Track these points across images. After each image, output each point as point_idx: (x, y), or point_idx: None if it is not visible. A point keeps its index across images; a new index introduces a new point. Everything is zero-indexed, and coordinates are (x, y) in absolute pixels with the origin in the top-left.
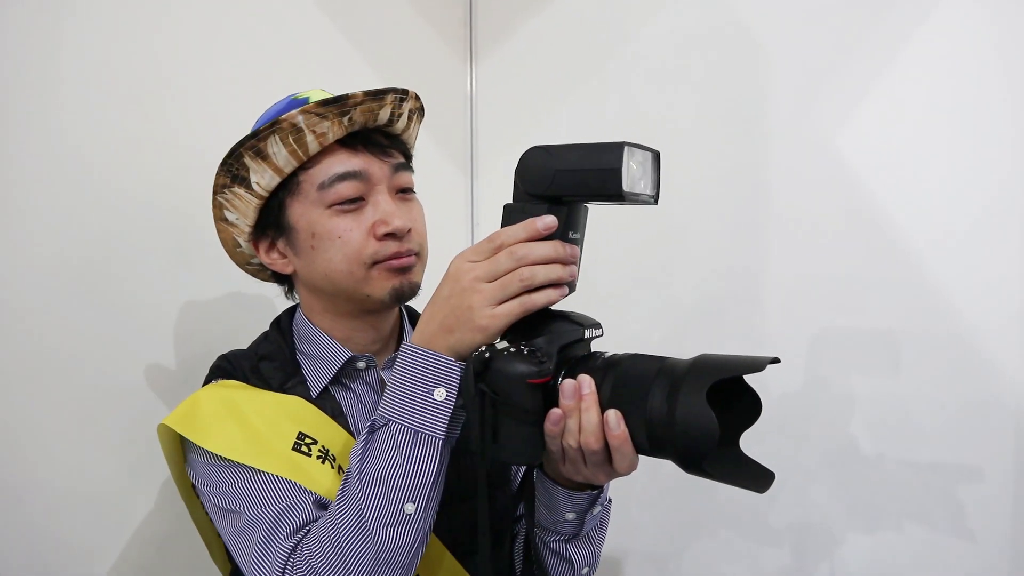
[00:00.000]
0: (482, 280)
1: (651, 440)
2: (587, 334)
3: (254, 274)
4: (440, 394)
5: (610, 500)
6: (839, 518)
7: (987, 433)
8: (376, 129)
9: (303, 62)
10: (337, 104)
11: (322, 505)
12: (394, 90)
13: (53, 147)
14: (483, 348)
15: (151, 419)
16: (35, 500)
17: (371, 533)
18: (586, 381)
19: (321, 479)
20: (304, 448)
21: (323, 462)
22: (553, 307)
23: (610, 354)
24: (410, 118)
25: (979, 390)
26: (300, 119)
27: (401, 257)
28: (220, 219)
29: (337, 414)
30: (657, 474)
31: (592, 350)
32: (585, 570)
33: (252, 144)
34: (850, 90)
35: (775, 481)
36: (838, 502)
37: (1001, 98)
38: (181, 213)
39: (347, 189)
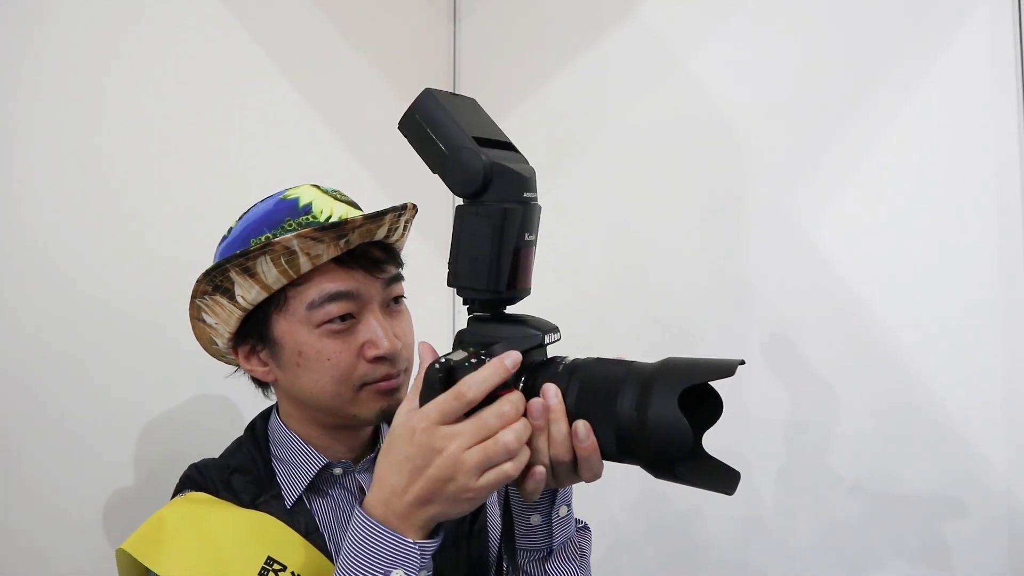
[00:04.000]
0: (464, 449)
1: (620, 446)
2: (546, 339)
3: (229, 363)
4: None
5: (586, 526)
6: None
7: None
8: (371, 243)
9: (281, 31)
10: (335, 229)
11: None
12: (393, 209)
13: (25, 243)
14: (442, 358)
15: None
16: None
17: None
18: (551, 391)
19: None
20: (271, 575)
21: None
22: (508, 310)
23: (571, 359)
24: (406, 228)
25: (961, 481)
26: (295, 243)
27: (391, 379)
28: (196, 318)
29: (311, 530)
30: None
31: (549, 355)
32: None
33: (240, 262)
34: (829, 177)
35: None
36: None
37: (984, 189)
38: (154, 315)
39: (338, 309)
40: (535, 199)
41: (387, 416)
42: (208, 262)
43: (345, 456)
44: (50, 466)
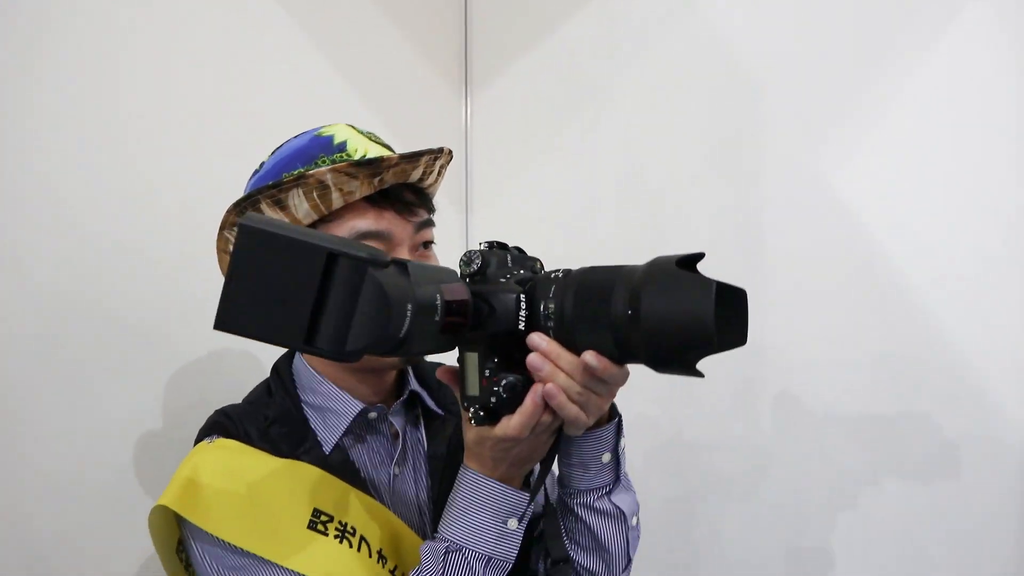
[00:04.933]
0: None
1: (619, 348)
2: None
3: None
4: (513, 524)
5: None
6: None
7: (982, 464)
8: (404, 184)
9: (296, 95)
10: (370, 166)
11: None
12: (429, 151)
13: (45, 195)
14: (471, 401)
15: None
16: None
17: None
18: (535, 339)
19: (338, 562)
20: (320, 527)
21: (340, 541)
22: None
23: (563, 271)
24: (440, 173)
25: (975, 424)
26: (329, 177)
27: None
28: (223, 251)
29: (352, 475)
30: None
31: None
32: (634, 520)
33: (272, 193)
34: (850, 128)
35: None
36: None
37: (1007, 142)
38: (176, 256)
39: None
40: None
41: (412, 360)
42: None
43: (371, 399)
44: (70, 409)
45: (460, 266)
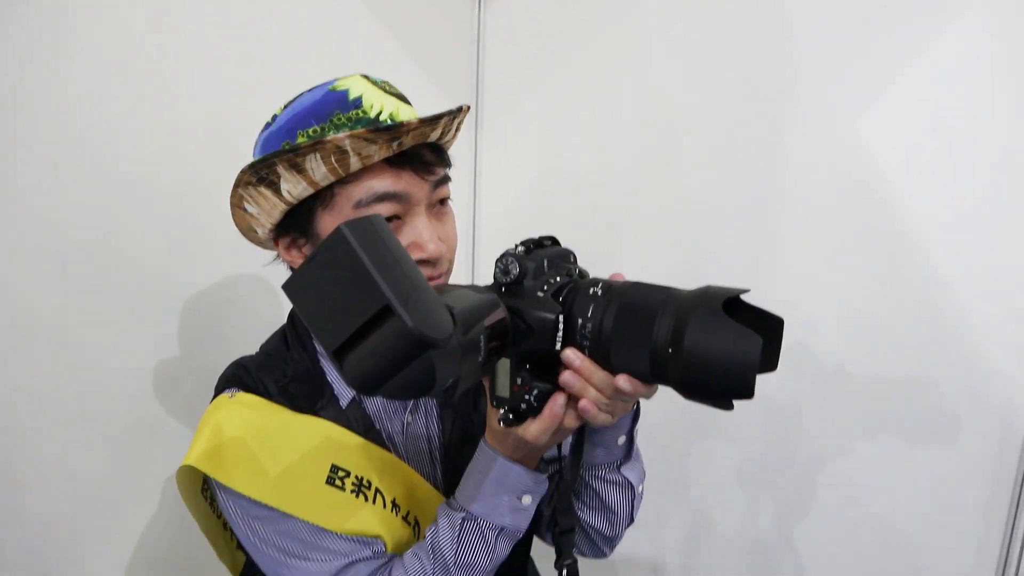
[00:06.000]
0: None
1: (653, 370)
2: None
3: (268, 250)
4: (527, 500)
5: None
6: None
7: (979, 427)
8: (423, 144)
9: (305, 5)
10: (389, 132)
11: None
12: (449, 113)
13: (61, 135)
14: (501, 401)
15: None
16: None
17: None
18: (570, 355)
19: (355, 514)
20: (338, 483)
21: (357, 496)
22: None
23: (603, 281)
24: (457, 129)
25: (977, 386)
26: (347, 143)
27: (432, 280)
28: (238, 206)
29: (368, 427)
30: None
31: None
32: (640, 487)
33: (289, 157)
34: (874, 77)
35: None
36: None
37: None
38: (184, 202)
39: (385, 209)
40: None
41: None
42: (247, 144)
43: None
44: (87, 341)
45: (496, 274)
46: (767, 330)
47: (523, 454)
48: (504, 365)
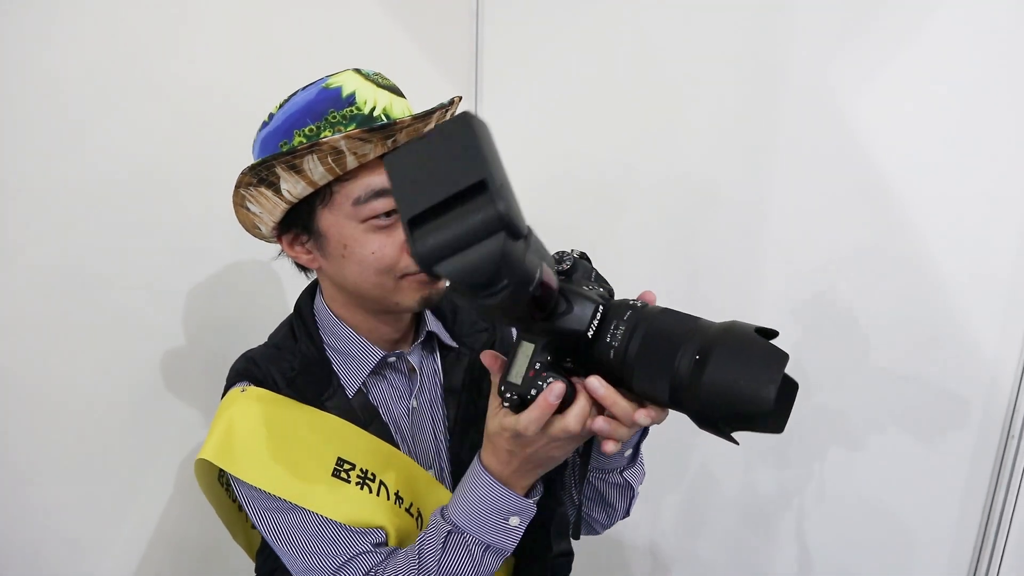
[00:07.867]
0: (542, 447)
1: (672, 398)
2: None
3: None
4: (515, 521)
5: None
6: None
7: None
8: None
9: None
10: (383, 131)
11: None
12: (440, 106)
13: (60, 134)
14: (508, 383)
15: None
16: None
17: None
18: (594, 384)
19: (359, 505)
20: (344, 475)
21: (361, 488)
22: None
23: (639, 305)
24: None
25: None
26: (343, 144)
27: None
28: (240, 205)
29: (373, 418)
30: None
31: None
32: (639, 487)
33: (287, 159)
34: (871, 57)
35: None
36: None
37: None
38: (193, 194)
39: (383, 205)
40: None
41: (427, 303)
42: (248, 135)
43: (391, 337)
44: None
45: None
46: (781, 392)
47: (517, 465)
48: (527, 349)
